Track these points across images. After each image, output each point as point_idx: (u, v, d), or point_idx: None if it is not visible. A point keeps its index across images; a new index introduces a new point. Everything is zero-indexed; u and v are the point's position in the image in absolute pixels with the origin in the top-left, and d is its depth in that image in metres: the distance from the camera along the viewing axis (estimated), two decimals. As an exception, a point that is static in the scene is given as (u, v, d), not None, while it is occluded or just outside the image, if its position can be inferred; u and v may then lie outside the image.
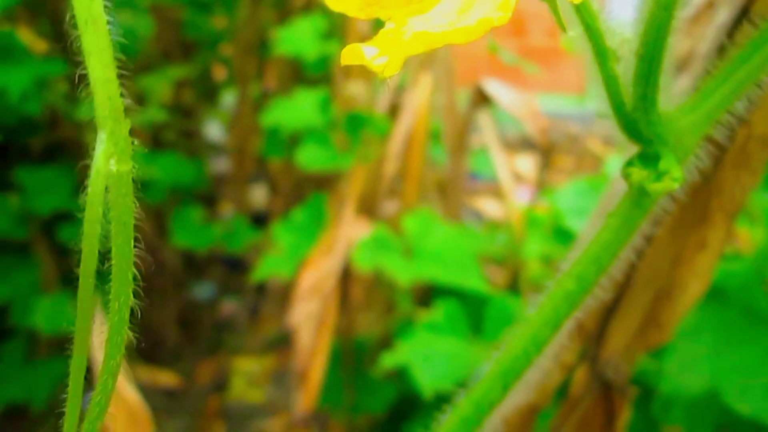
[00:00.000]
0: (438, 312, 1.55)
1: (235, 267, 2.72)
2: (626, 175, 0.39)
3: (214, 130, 2.95)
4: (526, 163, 2.87)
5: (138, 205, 0.35)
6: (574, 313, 0.41)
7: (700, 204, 0.77)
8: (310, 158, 1.84)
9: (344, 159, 1.82)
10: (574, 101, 3.08)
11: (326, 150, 1.87)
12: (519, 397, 0.87)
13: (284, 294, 2.52)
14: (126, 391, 0.80)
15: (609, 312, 0.92)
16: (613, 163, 1.34)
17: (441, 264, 1.66)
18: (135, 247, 0.32)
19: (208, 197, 2.76)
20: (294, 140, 2.22)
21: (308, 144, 1.88)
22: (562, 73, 3.29)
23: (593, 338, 0.92)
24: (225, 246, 2.41)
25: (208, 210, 2.61)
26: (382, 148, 1.82)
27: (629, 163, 0.39)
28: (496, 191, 2.85)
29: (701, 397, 1.14)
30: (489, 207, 2.64)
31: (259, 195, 2.90)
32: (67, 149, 2.29)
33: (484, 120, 1.83)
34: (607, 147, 2.23)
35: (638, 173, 0.38)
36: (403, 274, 1.60)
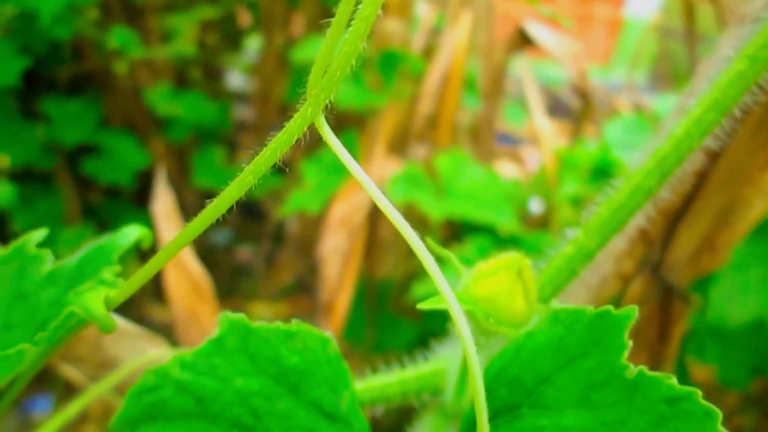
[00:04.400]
0: (469, 246, 1.55)
1: (252, 214, 2.72)
2: None
3: (236, 79, 2.93)
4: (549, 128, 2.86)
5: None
6: (658, 190, 0.40)
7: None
8: (343, 95, 1.82)
9: (377, 97, 1.81)
10: (600, 71, 3.06)
11: (359, 87, 1.85)
12: (577, 299, 0.87)
13: (300, 243, 2.52)
14: (191, 264, 0.79)
15: (677, 218, 0.92)
16: (664, 102, 1.33)
17: (473, 202, 1.65)
18: None
19: (229, 144, 2.74)
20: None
21: (342, 82, 1.86)
22: (587, 42, 3.27)
23: (658, 244, 0.92)
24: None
25: (229, 156, 2.60)
26: (416, 88, 1.80)
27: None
28: (514, 155, 2.84)
29: (740, 333, 1.14)
30: (506, 169, 2.63)
31: (279, 145, 2.88)
32: (93, 82, 2.27)
33: (521, 65, 1.82)
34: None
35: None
36: (435, 209, 1.59)
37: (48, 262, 0.45)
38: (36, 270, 0.45)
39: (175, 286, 0.80)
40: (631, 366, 0.31)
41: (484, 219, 1.60)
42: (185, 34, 2.39)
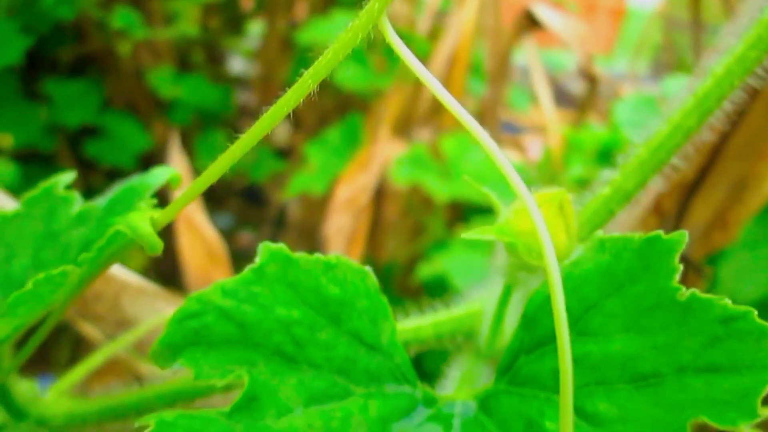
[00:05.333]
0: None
1: (253, 199, 2.71)
2: None
3: (237, 63, 2.91)
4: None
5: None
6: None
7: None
8: (347, 77, 1.82)
9: (382, 79, 1.80)
10: (603, 60, 3.05)
11: (364, 70, 1.85)
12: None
13: (302, 228, 2.51)
14: (205, 229, 0.79)
15: (690, 191, 0.92)
16: (671, 83, 1.33)
17: (479, 183, 1.65)
18: None
19: (231, 129, 2.73)
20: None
21: (346, 63, 1.85)
22: (590, 31, 3.26)
23: (672, 216, 0.91)
24: (247, 174, 2.39)
25: (232, 141, 2.59)
26: (421, 70, 1.79)
27: None
28: (516, 143, 2.84)
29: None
30: (509, 157, 2.63)
31: (280, 131, 2.88)
32: (96, 63, 2.26)
33: (527, 50, 1.81)
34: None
35: None
36: (441, 191, 1.59)
37: (77, 204, 0.45)
38: (65, 211, 0.44)
39: (190, 251, 0.80)
40: (683, 288, 0.31)
41: (489, 200, 1.60)
42: (188, 16, 2.38)
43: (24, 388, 0.44)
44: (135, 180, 0.43)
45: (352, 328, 0.35)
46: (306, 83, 0.31)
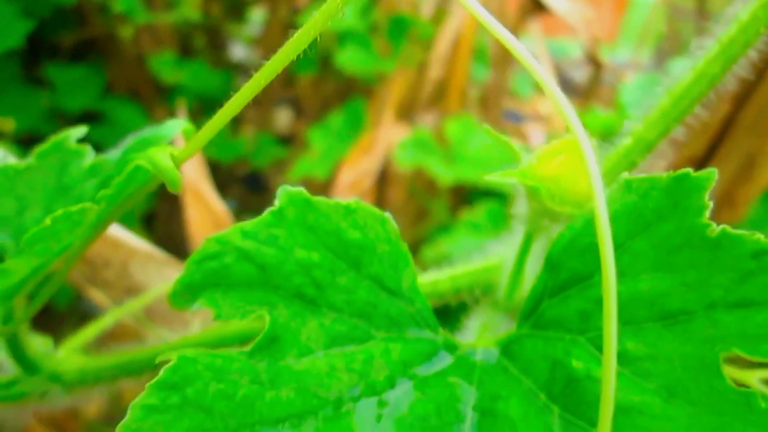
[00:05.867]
0: (479, 210, 1.54)
1: (255, 186, 2.70)
2: None
3: (238, 51, 2.90)
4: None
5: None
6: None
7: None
8: (350, 60, 1.81)
9: (386, 62, 1.79)
10: (606, 48, 3.04)
11: (367, 53, 1.84)
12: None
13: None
14: (213, 201, 0.78)
15: (700, 167, 0.91)
16: (678, 64, 1.32)
17: (483, 166, 1.65)
18: None
19: (232, 118, 2.72)
20: (325, 59, 2.19)
21: (349, 47, 1.84)
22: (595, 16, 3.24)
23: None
24: (249, 161, 2.38)
25: (233, 128, 2.58)
26: (425, 53, 1.79)
27: None
28: (518, 132, 2.83)
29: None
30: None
31: (282, 119, 2.87)
32: (97, 48, 2.25)
33: (532, 34, 1.80)
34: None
35: None
36: (445, 174, 1.58)
37: (88, 156, 0.44)
38: (77, 164, 0.44)
39: (198, 222, 0.79)
40: (714, 224, 0.30)
41: (493, 183, 1.59)
42: (189, 1, 2.36)
43: (36, 342, 0.44)
44: (148, 131, 0.43)
45: (372, 273, 0.35)
46: (316, 24, 0.30)
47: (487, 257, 0.44)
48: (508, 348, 0.35)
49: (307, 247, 0.34)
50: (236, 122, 2.74)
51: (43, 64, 2.06)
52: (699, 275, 0.30)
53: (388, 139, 1.71)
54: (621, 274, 0.32)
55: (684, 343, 0.29)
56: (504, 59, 1.81)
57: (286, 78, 2.59)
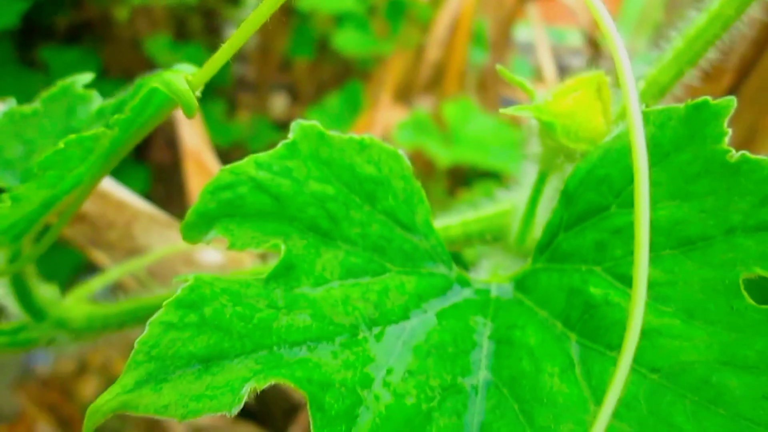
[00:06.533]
0: (477, 191, 1.54)
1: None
2: None
3: (235, 35, 2.87)
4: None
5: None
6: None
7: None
8: (348, 42, 1.80)
9: (383, 44, 1.78)
10: (603, 37, 3.04)
11: (365, 35, 1.83)
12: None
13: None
14: (215, 169, 0.78)
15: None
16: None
17: (481, 149, 1.65)
18: None
19: (228, 102, 2.71)
20: (322, 43, 2.18)
21: (346, 28, 1.84)
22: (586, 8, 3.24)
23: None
24: (245, 146, 2.37)
25: (228, 114, 2.57)
26: (422, 36, 1.78)
27: None
28: (515, 119, 2.83)
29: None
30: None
31: (278, 104, 2.86)
32: (92, 31, 2.23)
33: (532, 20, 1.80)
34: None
35: None
36: (443, 155, 1.58)
37: (96, 101, 0.44)
38: (84, 108, 0.43)
39: (200, 190, 0.79)
40: (732, 150, 0.30)
41: (491, 165, 1.59)
42: (185, -14, 2.35)
43: (44, 290, 0.43)
44: (157, 74, 0.42)
45: (387, 207, 0.34)
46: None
47: (499, 203, 0.44)
48: (522, 283, 0.35)
49: (322, 180, 0.34)
50: (232, 107, 2.73)
51: (37, 47, 2.04)
52: (718, 201, 0.30)
53: (386, 121, 1.71)
54: (638, 204, 0.32)
55: (703, 267, 0.29)
56: (502, 42, 1.80)
57: (283, 63, 2.58)
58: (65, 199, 0.36)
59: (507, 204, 0.43)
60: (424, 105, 1.83)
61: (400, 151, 0.36)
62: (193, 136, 0.80)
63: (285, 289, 0.31)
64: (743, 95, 0.86)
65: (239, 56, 2.81)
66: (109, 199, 0.63)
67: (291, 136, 0.34)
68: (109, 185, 0.64)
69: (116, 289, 0.60)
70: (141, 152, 2.18)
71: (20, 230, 0.37)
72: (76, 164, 0.31)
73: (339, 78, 2.25)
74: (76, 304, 0.45)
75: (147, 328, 0.27)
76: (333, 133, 0.35)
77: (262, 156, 0.33)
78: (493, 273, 0.37)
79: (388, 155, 0.35)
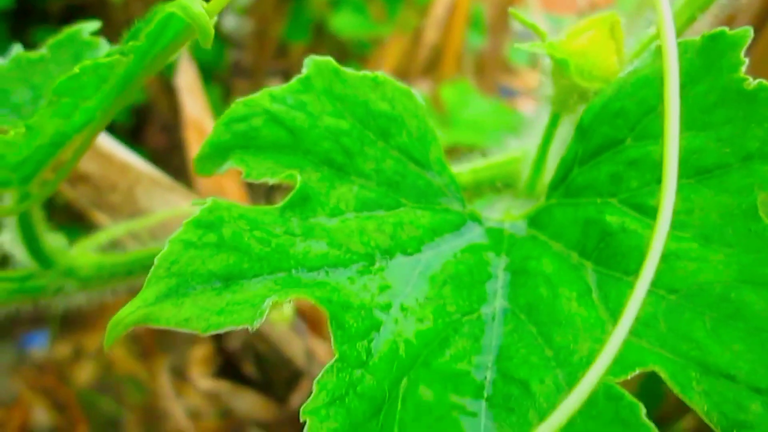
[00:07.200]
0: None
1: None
2: None
3: (229, 21, 2.86)
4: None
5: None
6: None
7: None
8: (345, 25, 1.80)
9: (381, 27, 1.78)
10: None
11: (362, 18, 1.83)
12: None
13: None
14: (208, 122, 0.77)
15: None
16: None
17: (478, 131, 1.65)
18: None
19: (223, 87, 2.69)
20: (318, 26, 2.17)
21: (343, 11, 1.83)
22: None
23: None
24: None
25: (224, 100, 2.56)
26: (420, 19, 1.78)
27: None
28: (511, 107, 2.82)
29: None
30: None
31: (273, 86, 2.84)
32: (87, 14, 2.22)
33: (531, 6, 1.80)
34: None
35: None
36: (441, 137, 1.58)
37: (102, 48, 0.43)
38: (91, 55, 0.43)
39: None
40: (750, 78, 0.30)
41: (489, 147, 1.59)
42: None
43: (51, 238, 0.43)
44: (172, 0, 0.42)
45: (401, 144, 0.34)
46: None
47: (509, 151, 0.44)
48: (535, 219, 0.35)
49: (336, 115, 0.33)
50: (228, 93, 2.72)
51: (32, 29, 2.03)
52: (734, 130, 0.30)
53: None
54: (654, 136, 0.32)
55: (720, 194, 0.29)
56: (500, 26, 1.80)
57: (279, 48, 2.57)
58: (75, 138, 0.36)
59: (517, 152, 0.43)
60: (421, 87, 1.82)
61: (414, 91, 0.36)
62: (195, 105, 0.80)
63: (301, 218, 0.30)
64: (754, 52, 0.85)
65: (235, 42, 2.80)
66: (112, 160, 0.62)
67: (304, 71, 0.34)
68: (112, 146, 0.63)
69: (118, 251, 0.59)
70: (137, 137, 2.17)
71: (30, 171, 0.36)
72: (91, 93, 0.31)
73: (336, 62, 2.23)
74: (84, 253, 0.45)
75: (167, 245, 0.27)
76: (346, 70, 0.35)
77: (276, 89, 0.33)
78: (506, 213, 0.37)
79: (402, 93, 0.35)
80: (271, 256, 0.28)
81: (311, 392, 0.25)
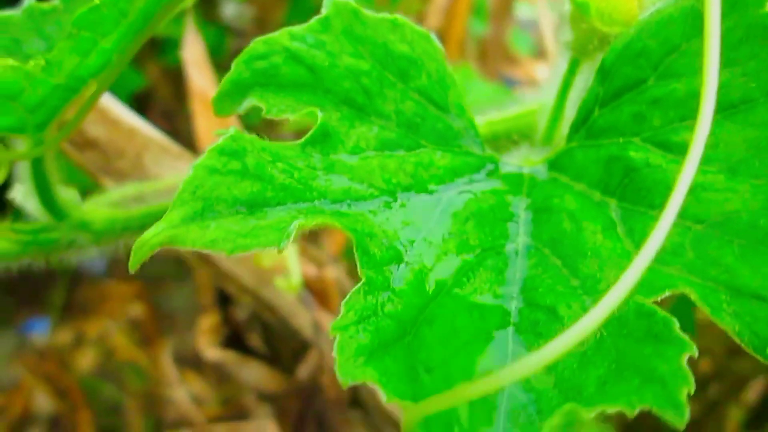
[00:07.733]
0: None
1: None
2: None
3: (230, 9, 2.86)
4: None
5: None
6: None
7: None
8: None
9: (384, 11, 1.78)
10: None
11: (365, 3, 1.82)
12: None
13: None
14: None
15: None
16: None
17: (481, 115, 1.64)
18: None
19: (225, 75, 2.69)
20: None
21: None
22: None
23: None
24: (241, 120, 2.36)
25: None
26: (423, 4, 1.77)
27: None
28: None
29: None
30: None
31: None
32: None
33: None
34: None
35: None
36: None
37: (117, 0, 0.43)
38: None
39: (206, 132, 0.78)
40: (776, 10, 0.30)
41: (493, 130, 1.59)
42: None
43: (65, 191, 0.43)
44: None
45: (420, 86, 0.34)
46: None
47: (524, 104, 0.43)
48: (556, 162, 0.35)
49: (355, 56, 0.33)
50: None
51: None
52: (760, 65, 0.30)
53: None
54: (678, 75, 0.31)
55: (745, 128, 0.29)
56: (502, 10, 1.80)
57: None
58: (90, 83, 0.36)
59: (534, 104, 0.43)
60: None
61: (432, 35, 0.36)
62: (201, 77, 0.79)
63: (322, 154, 0.30)
64: None
65: (235, 29, 2.80)
66: (120, 125, 0.62)
67: (324, 11, 0.34)
68: (120, 111, 0.63)
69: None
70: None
71: (45, 116, 0.36)
72: (110, 28, 0.30)
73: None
74: (96, 207, 0.44)
75: (191, 170, 0.27)
76: (366, 11, 0.34)
77: (296, 28, 0.33)
78: (525, 159, 0.37)
79: (420, 36, 0.35)
80: (294, 187, 0.28)
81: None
